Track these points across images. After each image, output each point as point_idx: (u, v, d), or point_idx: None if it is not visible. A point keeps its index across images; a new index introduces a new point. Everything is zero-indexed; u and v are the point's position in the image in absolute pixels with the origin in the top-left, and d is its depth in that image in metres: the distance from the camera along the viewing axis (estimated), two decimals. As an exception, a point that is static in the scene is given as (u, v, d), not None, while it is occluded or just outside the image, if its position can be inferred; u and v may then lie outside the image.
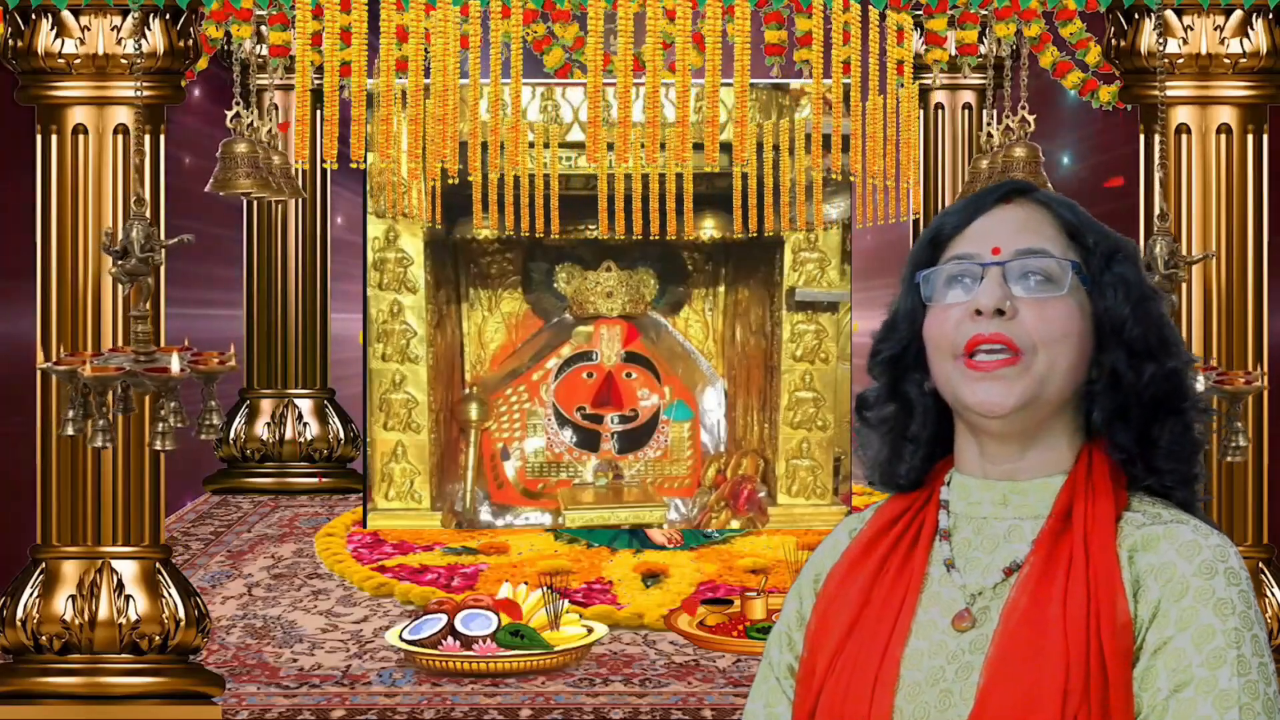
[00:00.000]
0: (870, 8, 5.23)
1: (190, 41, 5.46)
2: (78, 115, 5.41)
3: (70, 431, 5.00)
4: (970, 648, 1.71)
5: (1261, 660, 1.65)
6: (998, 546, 1.76)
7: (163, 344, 5.34)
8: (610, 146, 5.91)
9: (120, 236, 4.94)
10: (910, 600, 1.75)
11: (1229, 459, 5.20)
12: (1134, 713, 1.65)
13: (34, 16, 5.34)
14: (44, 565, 5.45)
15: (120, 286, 5.17)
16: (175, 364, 4.85)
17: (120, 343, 5.25)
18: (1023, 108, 6.47)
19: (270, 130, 6.93)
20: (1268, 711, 1.63)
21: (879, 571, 1.78)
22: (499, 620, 6.10)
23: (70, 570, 5.43)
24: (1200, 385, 4.91)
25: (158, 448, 5.06)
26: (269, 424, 9.10)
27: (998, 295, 1.72)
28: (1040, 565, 1.70)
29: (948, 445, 1.83)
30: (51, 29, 5.33)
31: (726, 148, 7.80)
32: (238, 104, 6.58)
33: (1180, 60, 5.42)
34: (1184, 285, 5.39)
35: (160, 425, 4.95)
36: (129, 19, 5.31)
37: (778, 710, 1.85)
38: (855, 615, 1.77)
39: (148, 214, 5.08)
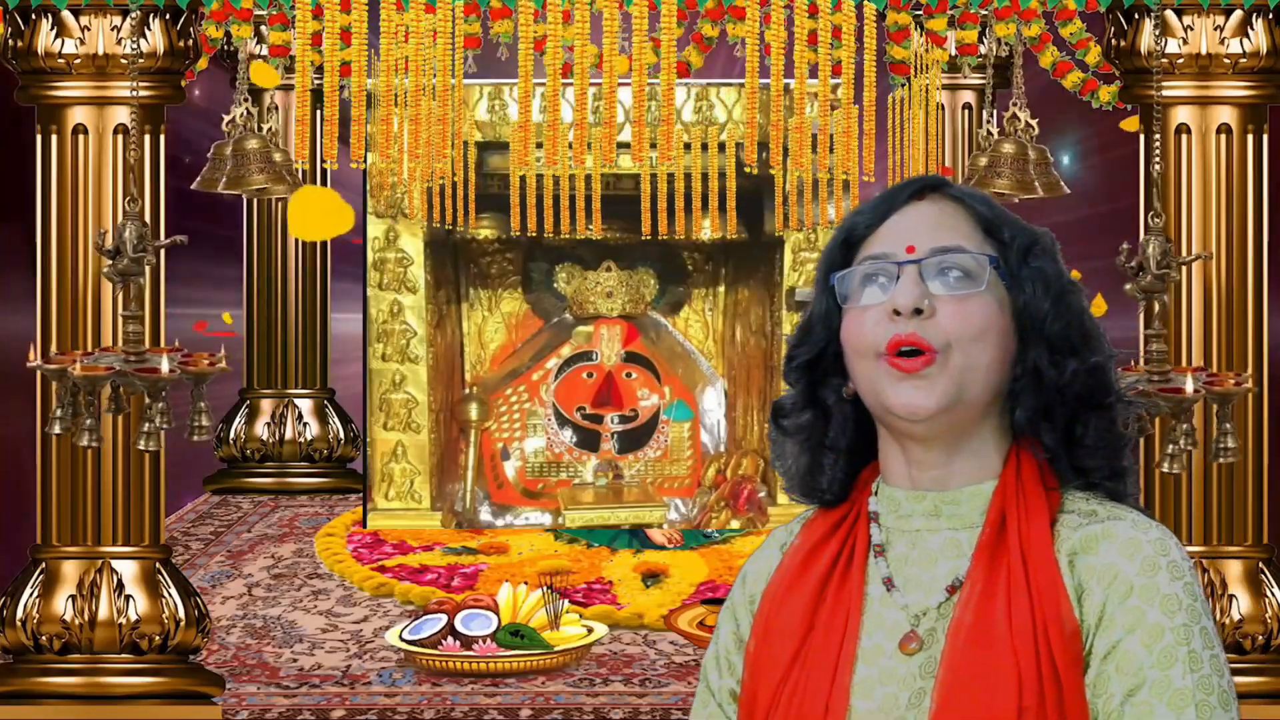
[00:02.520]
0: (868, 5, 5.23)
1: (190, 41, 5.46)
2: (78, 115, 5.41)
3: (58, 430, 4.99)
4: (921, 672, 1.66)
5: (1213, 653, 1.63)
6: (936, 562, 1.71)
7: (162, 344, 5.34)
8: (654, 145, 5.89)
9: (113, 236, 4.94)
10: (853, 624, 1.70)
11: (1219, 461, 5.19)
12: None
13: (34, 16, 5.34)
14: (44, 565, 5.45)
15: (115, 286, 5.17)
16: (165, 365, 4.84)
17: (120, 343, 5.25)
18: (1014, 103, 6.45)
19: (271, 128, 6.93)
20: (1223, 704, 1.61)
21: (819, 594, 1.73)
22: (499, 620, 6.10)
23: (70, 570, 5.43)
24: (1191, 386, 4.90)
25: (141, 447, 5.05)
26: (269, 424, 9.10)
27: (915, 294, 1.67)
28: (982, 580, 1.66)
29: (868, 454, 1.78)
30: (51, 29, 5.33)
31: (730, 148, 7.81)
32: (246, 100, 6.56)
33: (1180, 60, 5.42)
34: (1182, 285, 5.39)
35: (146, 426, 4.94)
36: (129, 19, 5.31)
37: None
38: (800, 641, 1.72)
39: (146, 214, 5.08)
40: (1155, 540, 1.66)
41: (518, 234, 6.69)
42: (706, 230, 8.18)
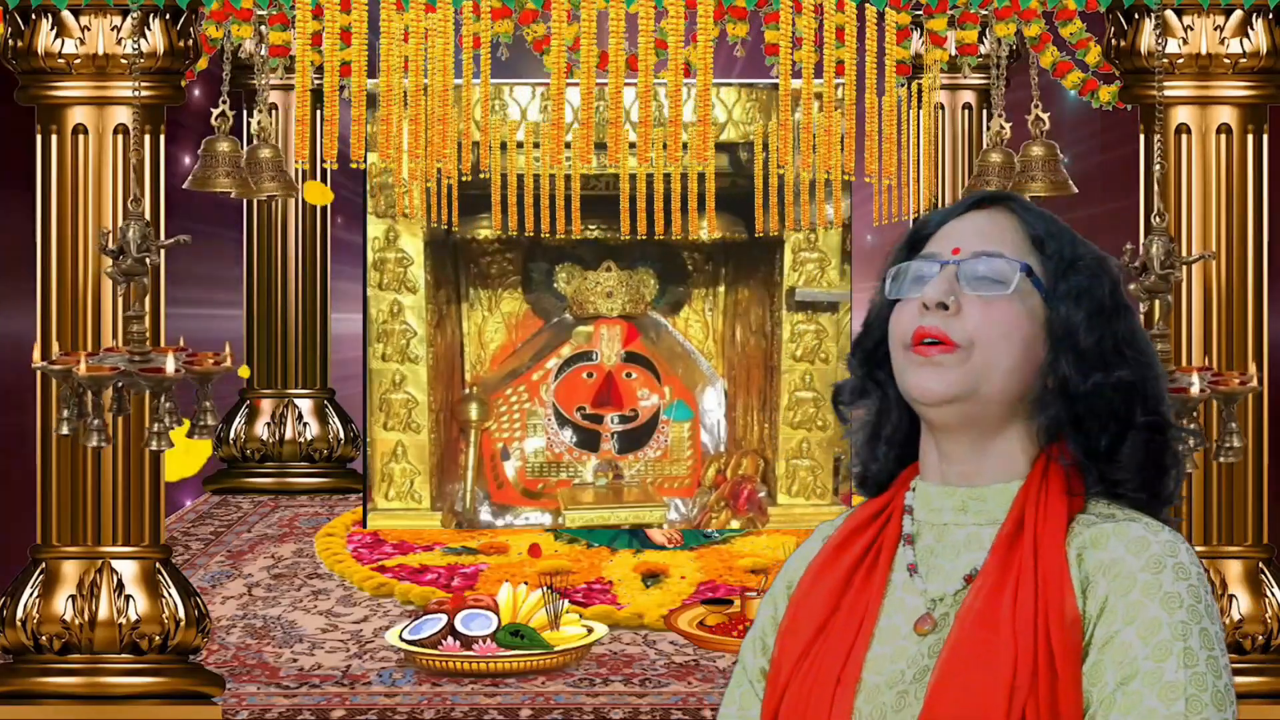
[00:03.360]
0: (868, 5, 5.23)
1: (190, 41, 5.46)
2: (78, 115, 5.41)
3: (65, 431, 5.00)
4: (928, 651, 1.74)
5: (1211, 653, 1.66)
6: (959, 554, 1.79)
7: (163, 344, 5.34)
8: (603, 147, 5.90)
9: (117, 236, 4.94)
10: (874, 605, 1.79)
11: (1223, 460, 5.20)
12: (1084, 708, 1.66)
13: (34, 16, 5.34)
14: (44, 565, 5.45)
15: (119, 286, 5.17)
16: (170, 364, 4.84)
17: (120, 343, 5.25)
18: (1035, 106, 6.46)
19: (264, 125, 6.91)
20: (1217, 703, 1.64)
21: (848, 577, 1.82)
22: (499, 620, 6.10)
23: (70, 570, 5.43)
24: (1196, 386, 4.90)
25: (154, 447, 5.06)
26: (269, 424, 9.10)
27: (943, 289, 1.77)
28: (996, 571, 1.73)
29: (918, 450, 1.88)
30: (51, 29, 5.33)
31: (728, 147, 7.82)
32: (224, 102, 6.56)
33: (1180, 60, 5.42)
34: (1184, 285, 5.39)
35: (156, 425, 4.95)
36: (129, 19, 5.31)
37: (750, 713, 1.89)
38: (824, 619, 1.81)
39: (146, 214, 5.08)
40: (1165, 542, 1.71)
41: (500, 232, 6.69)
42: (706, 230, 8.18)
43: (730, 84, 7.97)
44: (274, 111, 8.04)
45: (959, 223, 1.84)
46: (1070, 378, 1.76)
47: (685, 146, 5.78)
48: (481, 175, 5.81)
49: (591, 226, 8.00)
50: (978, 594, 1.72)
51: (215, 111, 6.57)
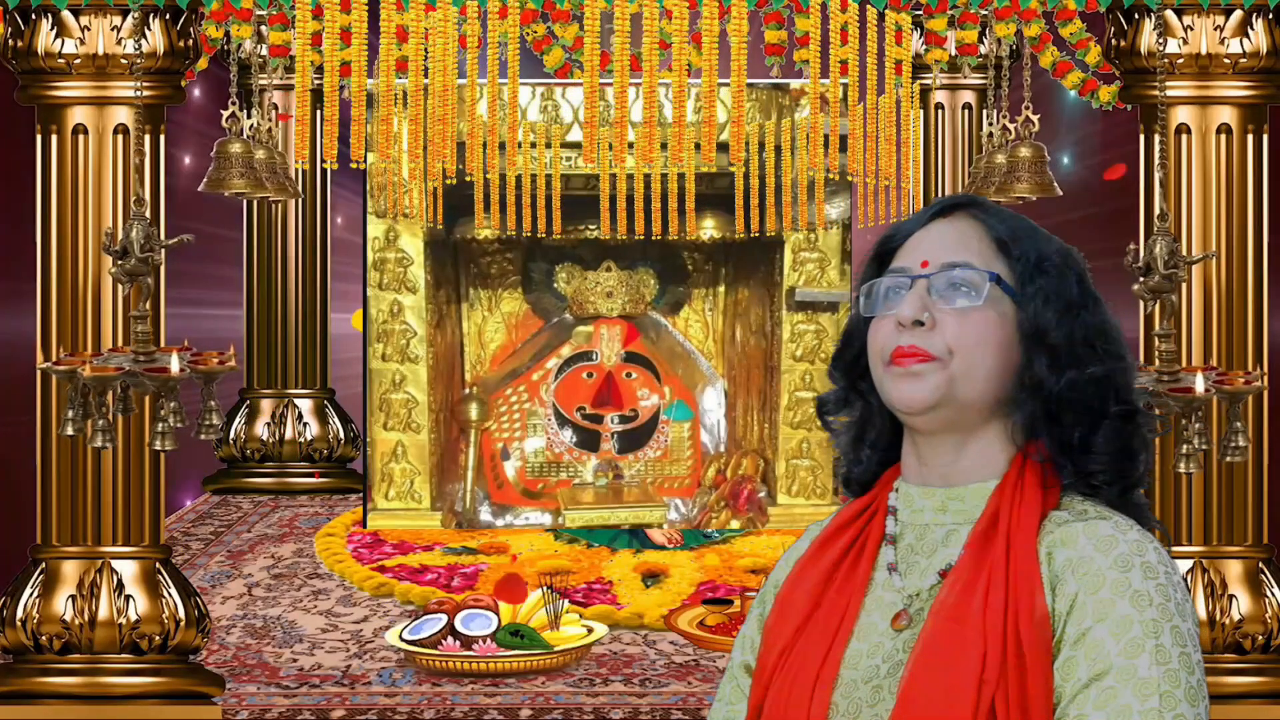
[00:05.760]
0: (869, 7, 5.23)
1: (190, 41, 5.46)
2: (78, 115, 5.41)
3: (70, 431, 5.00)
4: (903, 646, 1.78)
5: (1183, 650, 1.69)
6: (936, 551, 1.83)
7: (163, 344, 5.34)
8: (610, 146, 5.91)
9: (120, 236, 4.94)
10: (855, 603, 1.83)
11: (1229, 459, 5.20)
12: (1054, 702, 1.69)
13: (34, 16, 5.33)
14: (44, 565, 5.45)
15: (120, 286, 5.17)
16: (175, 364, 4.85)
17: (120, 343, 5.25)
18: (1026, 108, 6.47)
19: (269, 130, 6.92)
20: (1190, 699, 1.66)
21: (829, 575, 1.87)
22: (499, 620, 6.10)
23: (70, 570, 5.43)
24: (1201, 386, 4.90)
25: (158, 447, 5.06)
26: (269, 424, 9.10)
27: (917, 306, 1.81)
28: (969, 566, 1.77)
29: (900, 452, 1.92)
30: (51, 29, 5.33)
31: (726, 147, 7.82)
32: (233, 104, 6.58)
33: (1180, 60, 5.41)
34: (1184, 285, 5.39)
35: (160, 425, 4.95)
36: (129, 19, 5.31)
37: (737, 708, 1.94)
38: (805, 616, 1.85)
39: (147, 214, 5.08)
40: (1134, 541, 1.74)
41: (485, 227, 6.69)
42: (710, 229, 8.18)
43: (728, 84, 7.96)
44: (274, 111, 8.03)
45: (924, 233, 1.87)
46: (1045, 378, 1.79)
47: (664, 146, 5.78)
48: (468, 178, 5.81)
49: (592, 226, 8.00)
50: (951, 589, 1.76)
51: (225, 113, 6.59)
